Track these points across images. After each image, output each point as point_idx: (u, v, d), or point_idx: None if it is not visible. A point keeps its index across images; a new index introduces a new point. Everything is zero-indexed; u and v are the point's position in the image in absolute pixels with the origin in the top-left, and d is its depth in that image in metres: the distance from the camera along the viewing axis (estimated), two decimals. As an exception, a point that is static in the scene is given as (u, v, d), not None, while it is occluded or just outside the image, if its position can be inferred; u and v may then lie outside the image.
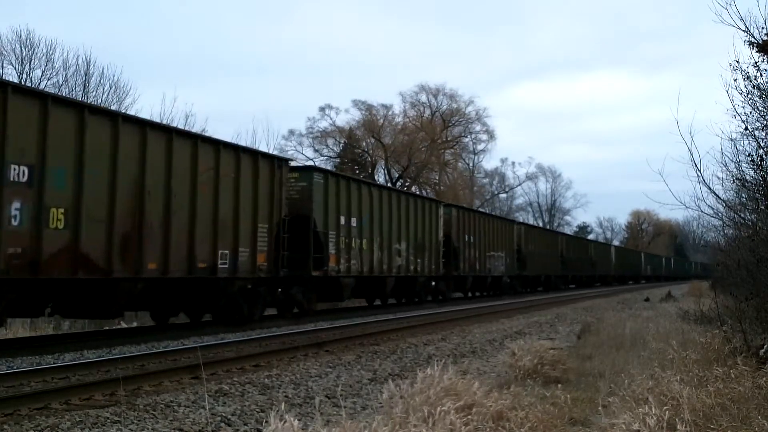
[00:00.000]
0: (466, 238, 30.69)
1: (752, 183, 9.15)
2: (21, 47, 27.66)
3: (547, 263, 44.48)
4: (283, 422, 4.77)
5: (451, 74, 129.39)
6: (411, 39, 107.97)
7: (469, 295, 33.66)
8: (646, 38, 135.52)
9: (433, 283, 27.65)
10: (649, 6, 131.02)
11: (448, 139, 59.54)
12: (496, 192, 75.79)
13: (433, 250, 26.94)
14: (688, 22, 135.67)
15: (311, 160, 49.87)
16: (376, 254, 22.42)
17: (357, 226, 21.26)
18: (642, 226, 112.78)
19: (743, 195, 10.09)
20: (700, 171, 9.18)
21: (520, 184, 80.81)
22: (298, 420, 4.95)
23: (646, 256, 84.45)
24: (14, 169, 10.63)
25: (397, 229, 23.99)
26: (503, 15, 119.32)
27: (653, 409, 5.37)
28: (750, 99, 8.58)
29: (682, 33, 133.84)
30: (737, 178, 9.56)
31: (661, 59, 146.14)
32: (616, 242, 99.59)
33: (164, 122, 24.66)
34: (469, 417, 5.46)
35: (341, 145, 54.57)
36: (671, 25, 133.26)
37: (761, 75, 8.51)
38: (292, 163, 20.16)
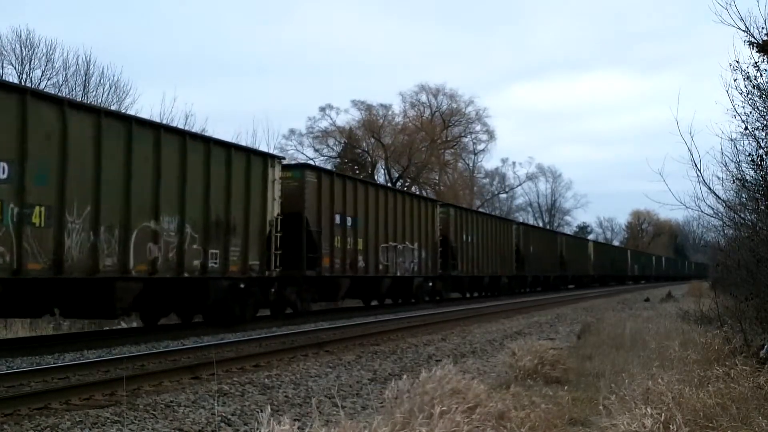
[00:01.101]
0: (338, 220, 20.44)
1: (752, 183, 9.17)
2: (21, 47, 27.60)
3: (495, 260, 34.47)
4: (279, 424, 4.76)
5: (451, 74, 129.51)
6: (411, 39, 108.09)
7: (370, 303, 25.27)
8: (646, 38, 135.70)
9: (273, 290, 17.66)
10: (649, 6, 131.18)
11: (448, 139, 59.54)
12: (496, 192, 75.81)
13: (252, 235, 16.38)
14: (687, 22, 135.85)
15: (311, 159, 49.87)
16: (77, 239, 11.95)
17: (13, 178, 10.90)
18: (642, 226, 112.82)
19: (743, 195, 10.10)
20: (700, 171, 9.21)
21: (520, 184, 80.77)
22: (297, 420, 4.95)
23: (633, 254, 77.67)
24: None
25: (153, 194, 13.63)
26: (503, 15, 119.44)
27: (653, 409, 5.37)
28: (750, 99, 8.61)
29: (682, 33, 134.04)
30: (737, 178, 9.58)
31: (661, 59, 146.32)
32: (616, 242, 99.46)
33: (164, 122, 22.88)
34: (472, 417, 5.46)
35: (341, 145, 54.60)
36: (671, 26, 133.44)
37: (761, 75, 8.53)
38: None
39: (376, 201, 22.93)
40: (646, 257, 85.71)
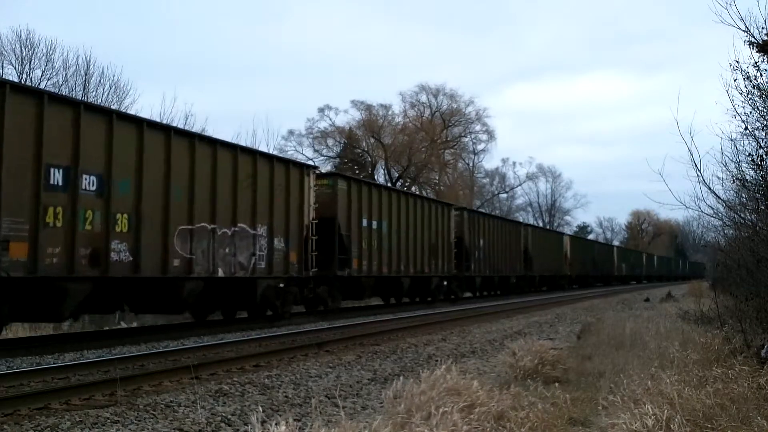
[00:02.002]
0: (59, 180, 11.55)
1: (752, 183, 9.18)
2: (21, 47, 27.65)
3: (422, 256, 26.01)
4: (277, 425, 4.77)
5: (451, 74, 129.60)
6: (411, 39, 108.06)
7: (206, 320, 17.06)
8: (646, 39, 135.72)
9: None
10: (649, 6, 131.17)
11: (448, 139, 59.59)
12: (496, 192, 75.79)
13: None
14: (688, 22, 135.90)
15: (311, 159, 49.86)
16: None
17: None
18: (642, 226, 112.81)
19: (743, 195, 10.12)
20: (700, 171, 9.22)
21: (520, 185, 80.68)
22: (297, 420, 4.95)
23: (620, 252, 70.64)
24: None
25: None
26: (503, 15, 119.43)
27: (653, 409, 5.37)
28: (750, 99, 8.62)
29: (683, 33, 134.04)
30: (737, 178, 9.60)
31: (661, 59, 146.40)
32: (616, 242, 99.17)
33: (164, 122, 22.31)
34: (471, 417, 5.47)
35: (341, 145, 54.61)
36: (671, 26, 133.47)
37: (761, 75, 8.54)
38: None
39: (166, 153, 13.92)
40: (636, 255, 78.20)
